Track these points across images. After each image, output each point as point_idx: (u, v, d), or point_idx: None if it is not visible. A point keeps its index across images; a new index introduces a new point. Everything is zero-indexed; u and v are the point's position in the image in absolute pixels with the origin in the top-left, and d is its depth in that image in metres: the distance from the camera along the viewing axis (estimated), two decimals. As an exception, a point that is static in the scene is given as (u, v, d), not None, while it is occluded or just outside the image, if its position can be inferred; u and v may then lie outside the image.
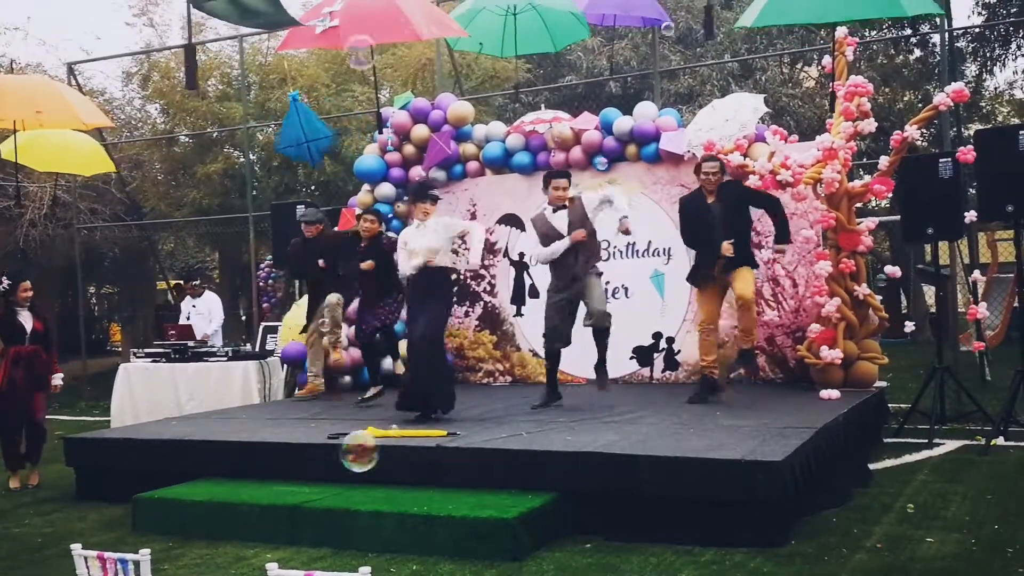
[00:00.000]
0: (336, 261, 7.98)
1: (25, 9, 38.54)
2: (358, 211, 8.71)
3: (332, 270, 8.07)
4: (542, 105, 10.74)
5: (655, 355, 8.59)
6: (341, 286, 8.18)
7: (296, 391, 9.26)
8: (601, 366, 6.96)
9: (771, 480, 4.54)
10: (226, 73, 15.38)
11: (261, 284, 13.50)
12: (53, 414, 10.27)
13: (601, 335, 6.90)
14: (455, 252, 7.02)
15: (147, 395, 9.46)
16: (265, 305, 13.40)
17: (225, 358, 9.45)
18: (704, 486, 4.67)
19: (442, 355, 6.86)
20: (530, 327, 8.89)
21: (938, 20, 9.61)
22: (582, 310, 6.93)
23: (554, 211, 6.93)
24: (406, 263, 6.81)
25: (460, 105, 9.48)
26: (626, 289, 8.72)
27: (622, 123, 8.63)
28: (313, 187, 14.03)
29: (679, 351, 8.49)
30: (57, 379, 7.41)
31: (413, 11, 7.69)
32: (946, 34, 9.58)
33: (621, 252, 8.75)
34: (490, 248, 9.23)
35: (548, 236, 6.91)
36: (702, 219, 6.90)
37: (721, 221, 6.81)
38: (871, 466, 6.36)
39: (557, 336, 6.95)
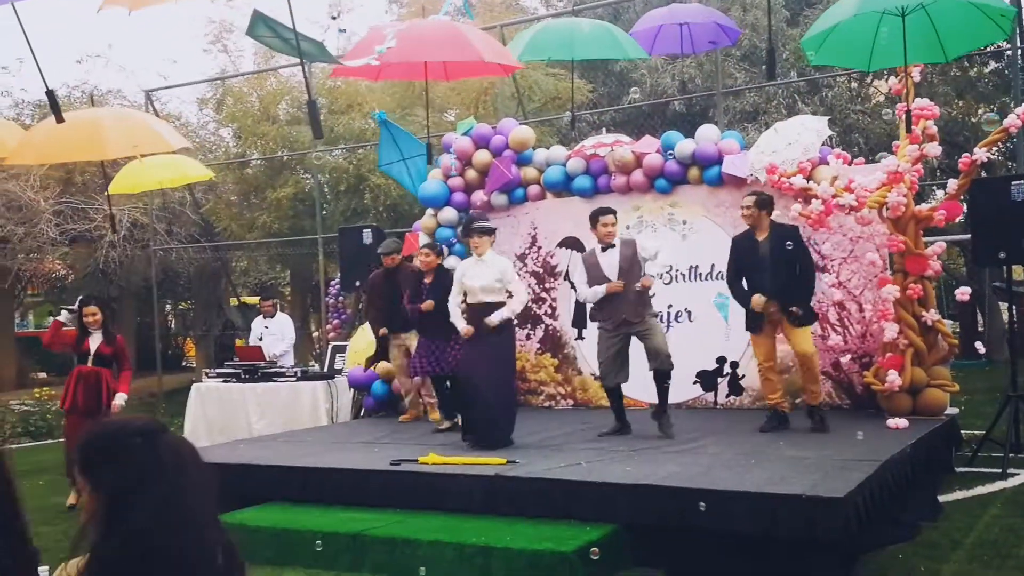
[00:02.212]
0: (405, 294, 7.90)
1: (106, 37, 40.10)
2: (423, 238, 8.82)
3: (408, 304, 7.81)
4: (603, 129, 10.74)
5: (719, 380, 8.51)
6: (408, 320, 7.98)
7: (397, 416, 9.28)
8: (662, 414, 6.78)
9: (833, 517, 4.47)
10: (296, 98, 15.78)
11: (331, 301, 13.73)
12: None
13: (661, 379, 6.75)
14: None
15: (219, 415, 9.70)
16: (335, 322, 13.61)
17: (294, 378, 9.64)
18: (764, 522, 4.62)
19: (513, 395, 6.87)
20: (591, 350, 8.77)
21: (1015, 35, 9.36)
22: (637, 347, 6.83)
23: (603, 250, 6.82)
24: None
25: (521, 130, 9.56)
26: (689, 313, 8.65)
27: (684, 146, 8.58)
28: (380, 209, 14.25)
29: (743, 376, 8.37)
30: (118, 399, 7.35)
31: (475, 36, 7.72)
32: (1018, 51, 9.33)
33: (684, 276, 8.68)
34: (551, 271, 9.28)
35: (593, 276, 6.81)
36: (750, 257, 6.78)
37: (770, 260, 6.68)
38: (941, 498, 6.21)
39: (610, 374, 6.86)
